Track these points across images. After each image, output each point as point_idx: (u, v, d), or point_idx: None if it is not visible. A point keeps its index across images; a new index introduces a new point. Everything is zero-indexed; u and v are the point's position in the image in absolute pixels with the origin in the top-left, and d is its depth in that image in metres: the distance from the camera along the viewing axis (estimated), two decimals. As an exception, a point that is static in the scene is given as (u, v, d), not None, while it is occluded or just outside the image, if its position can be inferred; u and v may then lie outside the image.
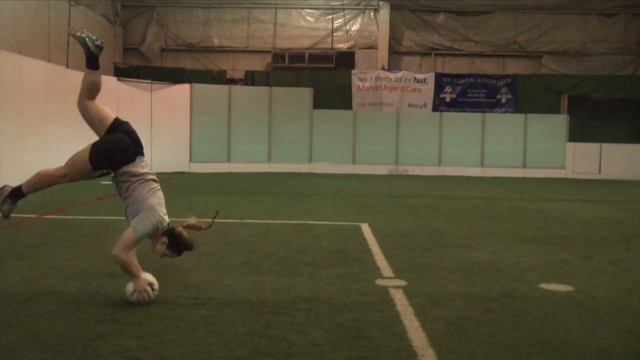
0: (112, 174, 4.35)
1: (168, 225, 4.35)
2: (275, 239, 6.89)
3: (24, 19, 13.64)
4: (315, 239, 6.88)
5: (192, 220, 4.44)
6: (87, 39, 4.35)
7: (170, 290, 4.59)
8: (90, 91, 4.55)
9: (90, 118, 4.54)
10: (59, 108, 13.59)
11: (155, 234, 4.27)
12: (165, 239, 4.33)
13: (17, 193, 4.31)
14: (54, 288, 4.57)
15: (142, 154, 4.44)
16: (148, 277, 4.17)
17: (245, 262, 5.62)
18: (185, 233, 4.37)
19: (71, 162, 4.32)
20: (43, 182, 4.31)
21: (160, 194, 4.38)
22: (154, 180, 4.39)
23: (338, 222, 8.28)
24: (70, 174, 4.28)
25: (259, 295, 4.49)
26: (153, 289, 4.16)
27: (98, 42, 4.39)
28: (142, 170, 4.34)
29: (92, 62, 4.56)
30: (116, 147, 4.32)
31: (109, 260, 5.60)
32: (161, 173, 17.14)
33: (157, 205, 4.27)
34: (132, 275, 4.13)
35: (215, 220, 4.49)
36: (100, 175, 4.34)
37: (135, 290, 4.12)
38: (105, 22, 18.67)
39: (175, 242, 4.34)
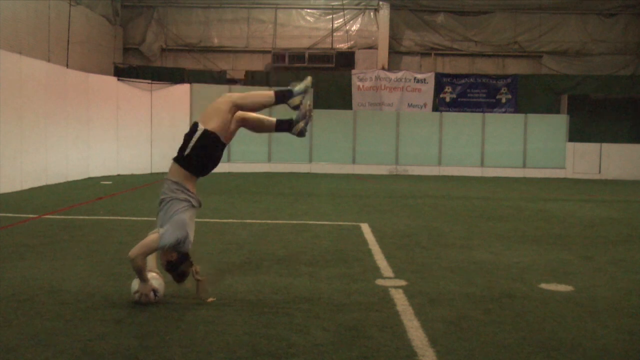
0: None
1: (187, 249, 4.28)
2: (275, 239, 6.89)
3: (24, 19, 13.63)
4: (315, 239, 6.88)
5: (198, 269, 4.36)
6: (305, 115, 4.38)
7: (171, 290, 4.59)
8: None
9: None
10: (59, 108, 13.59)
11: (174, 249, 4.19)
12: (175, 256, 4.21)
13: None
14: (54, 288, 4.57)
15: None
16: (154, 283, 4.18)
17: (245, 262, 5.62)
18: (190, 270, 4.31)
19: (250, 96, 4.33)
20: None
21: (194, 215, 4.31)
22: (197, 204, 4.33)
23: (338, 222, 8.28)
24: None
25: (259, 295, 4.49)
26: (156, 295, 4.17)
27: (304, 127, 4.45)
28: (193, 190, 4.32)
29: (283, 125, 4.55)
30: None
31: (109, 260, 5.62)
32: (161, 173, 17.15)
33: (189, 222, 4.20)
34: (141, 279, 4.13)
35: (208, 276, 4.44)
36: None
37: (138, 291, 4.13)
38: (105, 22, 18.67)
39: (179, 265, 4.24)
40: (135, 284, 4.16)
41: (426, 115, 19.88)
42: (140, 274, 4.10)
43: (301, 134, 4.48)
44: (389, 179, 17.28)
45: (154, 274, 4.24)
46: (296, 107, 4.34)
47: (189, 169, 4.26)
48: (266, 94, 4.33)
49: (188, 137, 4.26)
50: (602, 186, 16.36)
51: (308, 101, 4.34)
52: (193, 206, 4.26)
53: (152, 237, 4.15)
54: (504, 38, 20.67)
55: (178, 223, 4.13)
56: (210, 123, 4.23)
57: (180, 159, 4.26)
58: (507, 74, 20.46)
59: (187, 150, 4.23)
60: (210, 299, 4.25)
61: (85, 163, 15.10)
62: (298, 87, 4.27)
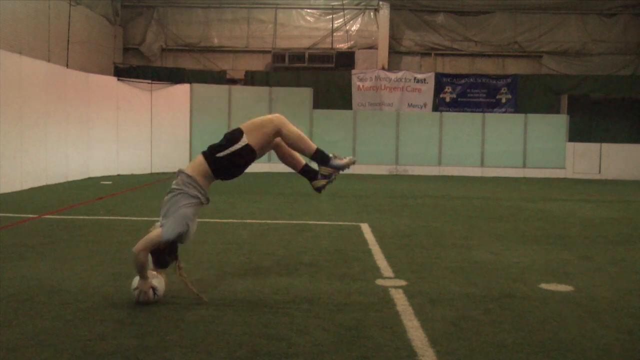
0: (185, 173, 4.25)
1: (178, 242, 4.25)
2: (275, 239, 6.89)
3: (24, 19, 13.63)
4: (315, 239, 6.88)
5: (182, 265, 4.32)
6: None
7: (171, 290, 4.59)
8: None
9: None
10: (59, 108, 13.59)
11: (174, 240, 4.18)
12: (165, 246, 4.21)
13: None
14: (54, 288, 4.57)
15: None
16: (154, 282, 4.17)
17: (245, 262, 5.62)
18: (172, 262, 4.27)
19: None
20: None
21: (199, 211, 4.30)
22: (205, 202, 4.32)
23: (338, 222, 8.28)
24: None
25: (259, 295, 4.49)
26: (155, 294, 4.17)
27: (324, 185, 4.39)
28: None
29: (308, 173, 4.48)
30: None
31: (109, 260, 5.62)
32: (161, 173, 17.16)
33: (192, 217, 4.20)
34: (141, 277, 4.13)
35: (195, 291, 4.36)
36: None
37: (138, 288, 4.14)
38: (105, 22, 18.67)
39: (164, 253, 4.21)
40: (135, 281, 4.17)
41: (426, 115, 19.88)
42: (142, 270, 4.10)
43: (318, 190, 4.45)
44: (389, 179, 17.28)
45: (153, 273, 4.24)
46: (324, 177, 4.29)
47: (215, 170, 4.24)
48: (309, 144, 4.22)
49: (228, 142, 4.20)
50: (602, 186, 16.37)
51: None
52: (201, 203, 4.26)
53: (155, 232, 4.15)
54: (504, 38, 20.68)
55: (181, 217, 4.14)
56: (253, 138, 4.19)
57: (211, 158, 4.22)
58: (507, 74, 20.47)
59: (223, 154, 4.19)
60: (203, 297, 4.24)
61: (85, 163, 15.11)
62: (340, 162, 4.18)
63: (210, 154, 4.24)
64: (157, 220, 4.32)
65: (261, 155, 4.36)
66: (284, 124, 4.22)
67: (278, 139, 4.36)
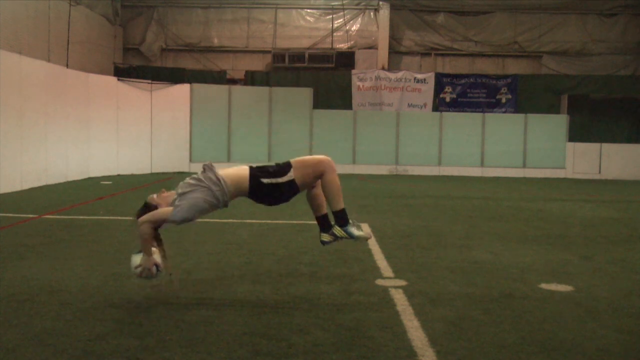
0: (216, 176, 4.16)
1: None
2: (275, 239, 6.89)
3: (24, 19, 13.63)
4: (315, 239, 6.86)
5: (163, 250, 4.25)
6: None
7: (170, 290, 4.59)
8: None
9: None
10: (59, 108, 13.59)
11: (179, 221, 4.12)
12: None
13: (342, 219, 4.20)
14: (53, 288, 4.57)
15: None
16: (157, 258, 4.13)
17: (245, 262, 5.62)
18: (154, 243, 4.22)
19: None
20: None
21: (209, 210, 4.22)
22: (222, 207, 4.27)
23: (338, 222, 8.27)
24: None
25: (259, 295, 4.49)
26: (158, 270, 4.11)
27: (329, 242, 4.33)
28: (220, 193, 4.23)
29: (323, 223, 4.42)
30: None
31: (109, 260, 5.62)
32: (161, 173, 17.16)
33: (202, 211, 4.13)
34: (145, 252, 4.07)
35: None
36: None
37: (140, 265, 4.07)
38: (105, 22, 18.67)
39: (147, 210, 4.20)
40: (137, 258, 4.11)
41: (426, 115, 19.88)
42: (146, 244, 4.04)
43: (323, 243, 4.41)
44: (389, 179, 17.28)
45: (154, 249, 4.17)
46: (334, 235, 4.24)
47: (251, 190, 4.17)
48: (340, 200, 4.17)
49: (277, 172, 4.16)
50: (602, 186, 16.37)
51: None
52: (217, 206, 4.20)
53: (166, 210, 4.10)
54: (504, 38, 20.67)
55: (195, 207, 4.07)
56: (299, 174, 4.16)
57: (256, 179, 4.14)
58: (507, 74, 20.46)
59: (267, 181, 4.14)
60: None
61: (85, 163, 15.11)
62: (355, 232, 4.13)
63: (256, 174, 4.17)
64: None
65: (301, 189, 4.29)
66: (332, 170, 4.21)
67: (316, 184, 4.34)
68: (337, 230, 4.15)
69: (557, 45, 20.60)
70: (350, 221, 4.17)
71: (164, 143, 17.60)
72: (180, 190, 4.14)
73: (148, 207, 4.22)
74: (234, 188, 4.15)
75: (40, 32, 14.31)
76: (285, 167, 4.18)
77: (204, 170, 4.21)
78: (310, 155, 4.37)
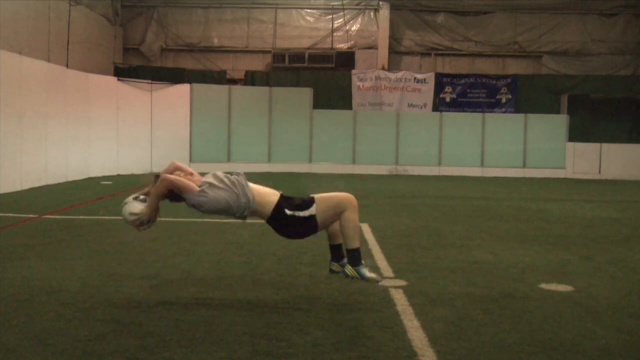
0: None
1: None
2: (275, 239, 6.86)
3: (24, 19, 13.63)
4: (315, 239, 6.85)
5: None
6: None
7: (170, 290, 4.59)
8: None
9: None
10: (59, 108, 13.59)
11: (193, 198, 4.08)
12: (165, 194, 4.11)
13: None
14: (53, 288, 4.57)
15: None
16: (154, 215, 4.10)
17: (245, 262, 5.62)
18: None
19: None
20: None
21: (222, 211, 4.17)
22: (238, 216, 4.22)
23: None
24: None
25: (259, 295, 4.50)
26: (149, 222, 4.09)
27: (338, 272, 4.30)
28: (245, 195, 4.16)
29: (335, 253, 4.39)
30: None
31: (109, 260, 5.62)
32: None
33: (217, 207, 4.09)
34: (150, 205, 4.03)
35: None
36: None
37: (138, 215, 4.04)
38: (105, 22, 18.66)
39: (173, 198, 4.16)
40: (135, 205, 4.07)
41: (426, 115, 19.88)
42: (156, 199, 4.03)
43: (330, 271, 4.40)
44: (389, 179, 17.28)
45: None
46: (344, 272, 4.18)
47: (273, 216, 4.13)
48: (357, 240, 4.10)
49: (300, 205, 4.12)
50: (602, 186, 16.36)
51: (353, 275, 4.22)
52: (234, 213, 4.16)
53: (192, 185, 4.06)
54: (504, 38, 20.67)
55: (215, 202, 4.05)
56: (320, 209, 4.10)
57: (281, 208, 4.10)
58: (507, 74, 20.46)
59: (291, 213, 4.09)
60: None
61: (85, 163, 15.10)
62: (366, 273, 4.07)
63: (282, 203, 4.12)
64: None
65: (316, 231, 4.21)
66: (354, 209, 4.13)
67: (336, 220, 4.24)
68: (349, 269, 4.08)
69: (557, 45, 20.59)
70: (363, 262, 4.12)
71: (164, 143, 17.59)
72: (211, 180, 4.10)
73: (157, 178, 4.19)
74: (258, 207, 4.12)
75: (40, 32, 14.31)
76: (308, 202, 4.13)
77: (238, 175, 4.18)
78: (335, 192, 4.26)
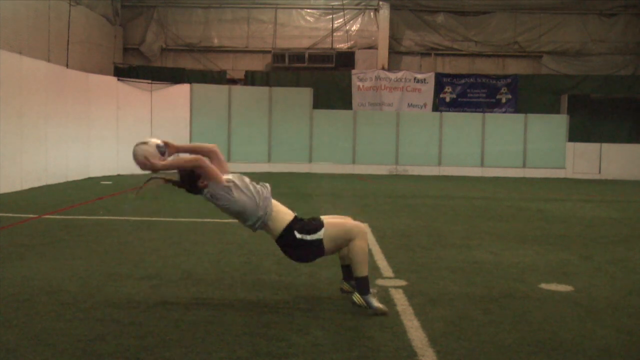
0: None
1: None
2: (275, 239, 6.88)
3: (24, 19, 13.63)
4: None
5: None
6: None
7: (170, 290, 4.59)
8: None
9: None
10: (59, 108, 13.59)
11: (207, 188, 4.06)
12: (190, 176, 4.09)
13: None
14: (53, 288, 4.57)
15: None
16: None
17: (245, 262, 5.62)
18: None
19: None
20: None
21: (238, 212, 4.16)
22: (253, 227, 4.22)
23: (338, 222, 8.27)
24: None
25: (259, 295, 4.50)
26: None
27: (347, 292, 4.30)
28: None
29: (347, 274, 4.39)
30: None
31: (109, 260, 5.62)
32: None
33: (240, 209, 4.09)
34: (174, 163, 4.01)
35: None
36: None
37: (148, 156, 3.97)
38: (105, 22, 18.66)
39: (193, 178, 4.09)
40: (154, 154, 3.99)
41: (426, 115, 19.88)
42: (175, 167, 4.00)
43: (341, 291, 4.41)
44: (389, 179, 17.28)
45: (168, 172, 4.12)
46: (352, 301, 4.12)
47: (282, 236, 4.12)
48: (365, 268, 4.06)
49: (310, 229, 4.09)
50: (602, 186, 16.36)
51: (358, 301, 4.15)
52: (244, 220, 4.16)
53: (221, 176, 4.04)
54: (504, 38, 20.67)
55: (235, 203, 4.04)
56: (329, 236, 4.07)
57: (291, 230, 4.08)
58: (507, 74, 20.46)
59: (300, 236, 4.07)
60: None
61: (85, 163, 15.10)
62: (374, 302, 4.03)
63: (293, 225, 4.11)
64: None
65: (322, 255, 4.18)
66: (363, 237, 4.12)
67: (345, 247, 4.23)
68: (357, 298, 4.05)
69: (557, 45, 20.59)
70: (371, 291, 4.09)
71: (164, 143, 17.58)
72: (238, 183, 4.10)
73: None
74: (271, 222, 4.12)
75: (40, 32, 14.31)
76: (317, 226, 4.10)
77: (263, 186, 4.19)
78: (345, 219, 4.23)
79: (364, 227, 4.20)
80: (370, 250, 6.22)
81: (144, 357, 3.22)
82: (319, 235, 4.06)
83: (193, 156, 4.08)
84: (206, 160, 4.07)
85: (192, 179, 4.08)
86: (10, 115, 11.52)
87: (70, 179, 14.09)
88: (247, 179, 4.19)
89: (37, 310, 4.00)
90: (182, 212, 9.03)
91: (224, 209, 4.16)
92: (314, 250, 4.10)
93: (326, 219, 4.19)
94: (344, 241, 4.11)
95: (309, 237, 4.07)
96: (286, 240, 4.12)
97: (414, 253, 6.20)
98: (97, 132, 15.56)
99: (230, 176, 4.16)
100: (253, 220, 4.12)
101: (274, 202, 4.20)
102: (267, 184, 4.25)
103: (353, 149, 19.50)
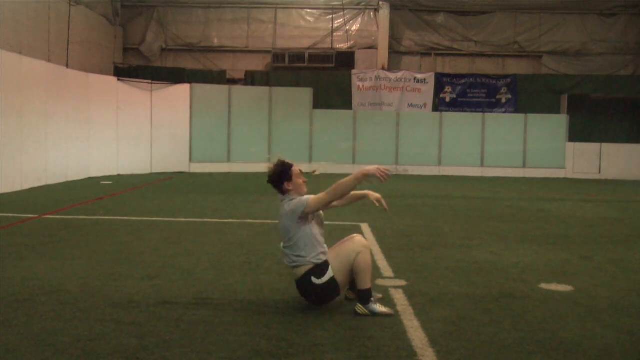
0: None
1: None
2: (275, 239, 6.87)
3: (24, 19, 13.63)
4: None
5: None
6: None
7: (170, 290, 4.59)
8: None
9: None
10: (59, 108, 13.59)
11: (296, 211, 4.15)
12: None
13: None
14: (54, 288, 4.57)
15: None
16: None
17: (245, 262, 5.62)
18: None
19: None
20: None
21: (287, 225, 4.20)
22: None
23: (338, 222, 8.27)
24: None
25: (259, 295, 4.50)
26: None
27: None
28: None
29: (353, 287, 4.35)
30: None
31: (109, 260, 5.62)
32: (161, 173, 17.16)
33: (291, 223, 4.16)
34: (352, 179, 4.57)
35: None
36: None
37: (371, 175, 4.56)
38: (105, 22, 18.66)
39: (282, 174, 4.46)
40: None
41: (426, 115, 19.87)
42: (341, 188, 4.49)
43: (346, 298, 4.37)
44: (389, 179, 17.25)
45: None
46: (354, 311, 4.08)
47: (301, 280, 4.13)
48: (368, 280, 4.06)
49: (320, 273, 4.07)
50: (602, 186, 16.36)
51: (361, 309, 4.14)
52: (289, 247, 4.18)
53: (314, 197, 4.21)
54: (504, 38, 20.66)
55: (304, 232, 4.12)
56: (337, 269, 4.09)
57: (308, 276, 4.08)
58: (507, 74, 20.46)
59: (317, 281, 4.06)
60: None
61: (85, 163, 15.10)
62: (378, 309, 4.03)
63: (313, 270, 4.09)
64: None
65: (338, 293, 4.18)
66: (366, 250, 4.14)
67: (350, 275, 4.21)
68: (360, 308, 4.03)
69: (557, 45, 20.59)
70: (372, 299, 4.08)
71: (164, 143, 17.59)
72: (316, 223, 4.25)
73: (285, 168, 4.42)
74: (302, 262, 4.12)
75: (40, 32, 14.31)
76: (323, 267, 4.10)
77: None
78: (344, 243, 4.23)
79: (363, 241, 4.21)
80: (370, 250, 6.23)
81: (144, 357, 3.22)
82: (329, 274, 4.08)
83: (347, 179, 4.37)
84: (340, 187, 4.44)
85: (281, 177, 4.35)
86: (10, 115, 11.52)
87: (70, 179, 14.09)
88: (322, 230, 4.25)
89: (37, 310, 4.00)
90: (182, 212, 9.03)
91: (281, 225, 4.19)
92: (331, 293, 4.12)
93: (329, 254, 4.19)
94: (350, 263, 4.10)
95: (319, 282, 4.06)
96: (304, 284, 4.12)
97: (414, 253, 6.20)
98: (97, 132, 15.56)
99: (309, 200, 4.20)
100: (295, 251, 4.12)
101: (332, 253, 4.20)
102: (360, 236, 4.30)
103: (353, 149, 19.49)
